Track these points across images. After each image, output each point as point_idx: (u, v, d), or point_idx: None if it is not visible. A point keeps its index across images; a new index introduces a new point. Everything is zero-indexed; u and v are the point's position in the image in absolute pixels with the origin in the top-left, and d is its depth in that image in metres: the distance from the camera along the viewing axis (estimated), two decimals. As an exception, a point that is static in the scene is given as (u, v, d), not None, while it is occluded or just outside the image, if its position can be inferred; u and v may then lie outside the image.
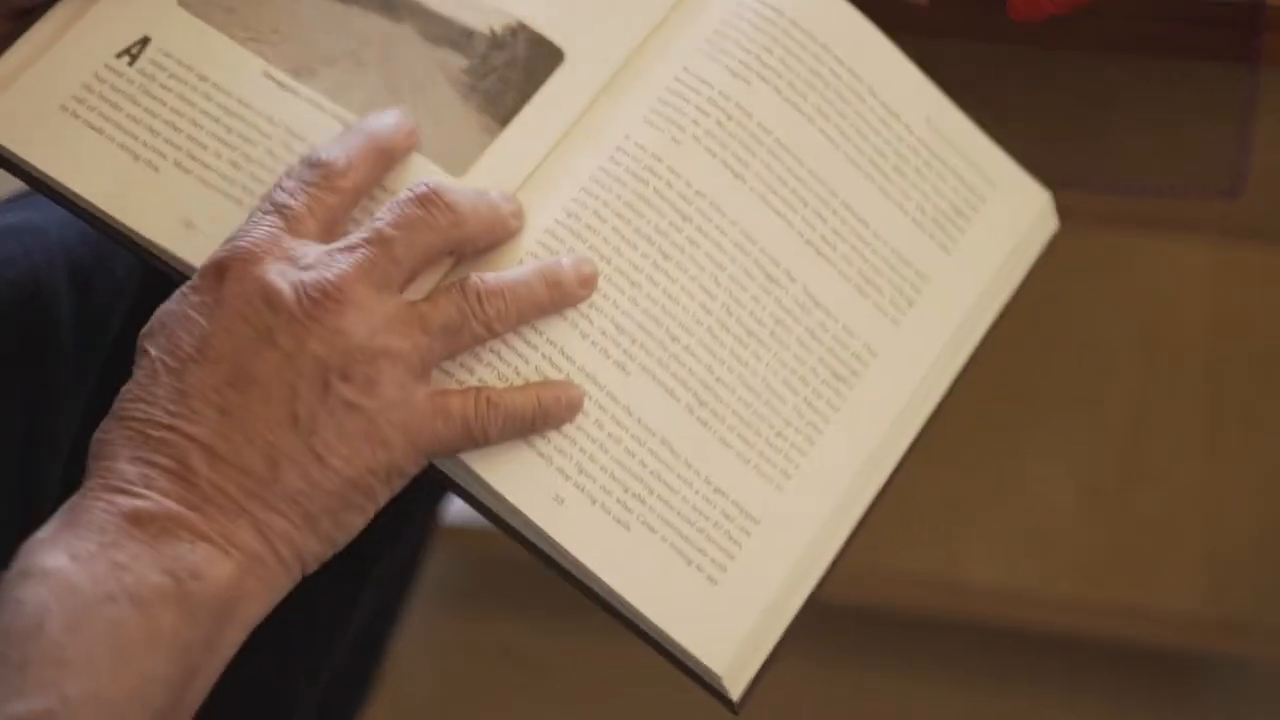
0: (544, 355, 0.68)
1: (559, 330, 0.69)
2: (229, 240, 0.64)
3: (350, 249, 0.64)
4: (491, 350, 0.68)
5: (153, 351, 0.62)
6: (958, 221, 0.78)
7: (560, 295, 0.68)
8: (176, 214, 0.68)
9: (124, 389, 0.62)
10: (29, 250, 0.79)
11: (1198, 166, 1.08)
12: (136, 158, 0.69)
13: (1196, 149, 1.07)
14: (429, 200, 0.65)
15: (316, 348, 0.62)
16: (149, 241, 0.68)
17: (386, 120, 0.68)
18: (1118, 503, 1.34)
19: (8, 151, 0.68)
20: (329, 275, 0.63)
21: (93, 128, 0.69)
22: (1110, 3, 0.99)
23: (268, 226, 0.64)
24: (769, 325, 0.72)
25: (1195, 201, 1.08)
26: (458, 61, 0.73)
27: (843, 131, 0.76)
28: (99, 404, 0.76)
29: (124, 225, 0.68)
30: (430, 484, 0.67)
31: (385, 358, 0.63)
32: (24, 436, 0.79)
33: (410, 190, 0.66)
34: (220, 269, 0.63)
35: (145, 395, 0.62)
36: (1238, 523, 1.34)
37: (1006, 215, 0.79)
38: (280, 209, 0.65)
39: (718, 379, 0.71)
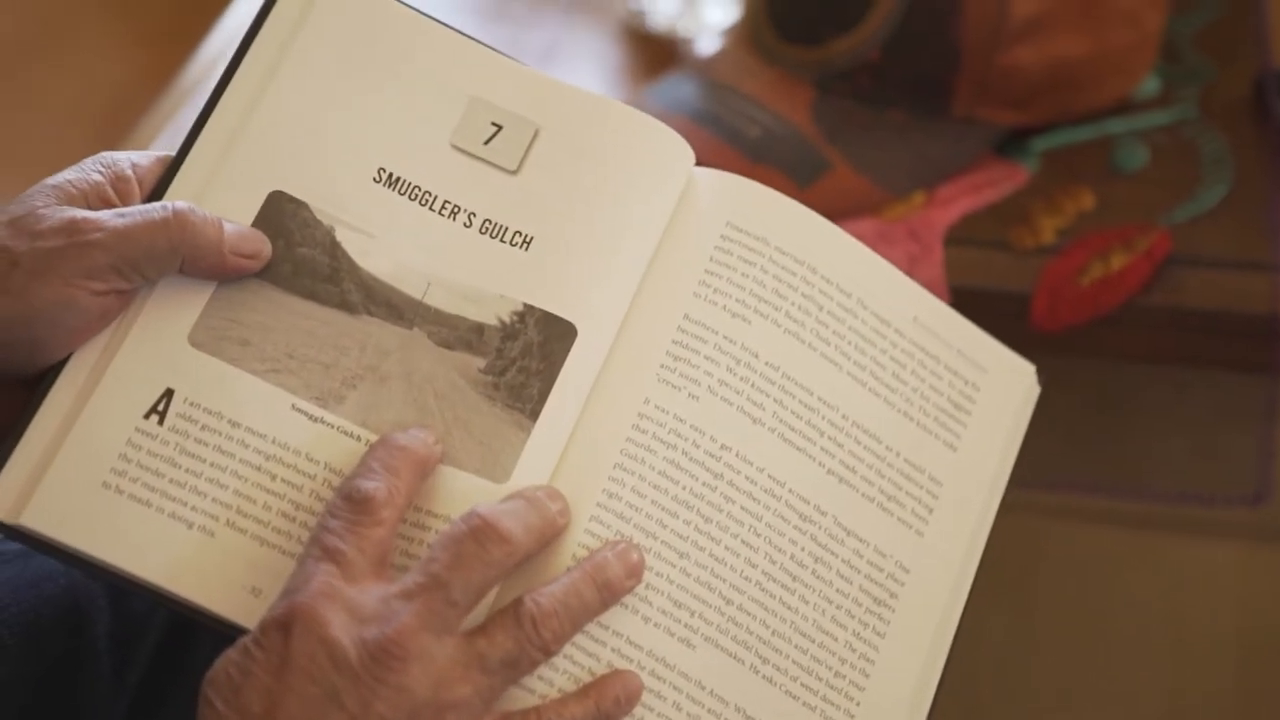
0: (613, 649, 0.69)
1: (623, 620, 0.69)
2: (287, 593, 0.64)
3: (408, 596, 0.64)
4: (564, 655, 0.68)
5: (220, 706, 0.63)
6: (959, 416, 0.78)
7: (611, 595, 0.68)
8: (241, 582, 0.67)
9: None
10: (69, 566, 0.80)
11: (1222, 473, 1.08)
12: (190, 525, 0.68)
13: (1220, 456, 1.08)
14: (482, 534, 0.66)
15: (382, 709, 0.63)
16: (219, 616, 0.67)
17: (414, 434, 0.69)
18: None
19: (58, 543, 0.67)
20: (389, 630, 0.63)
21: (140, 501, 0.68)
22: (1130, 313, 1.01)
23: (324, 576, 0.64)
24: (809, 565, 0.72)
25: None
26: (475, 362, 0.72)
27: (842, 351, 0.76)
28: (138, 717, 0.76)
29: (193, 603, 0.67)
30: None
31: (450, 711, 0.64)
32: None
33: (464, 523, 0.66)
34: (284, 627, 0.63)
35: None
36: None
37: (1000, 398, 0.79)
38: (331, 554, 0.65)
39: (773, 632, 0.71)
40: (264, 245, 0.71)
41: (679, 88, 1.08)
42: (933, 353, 0.78)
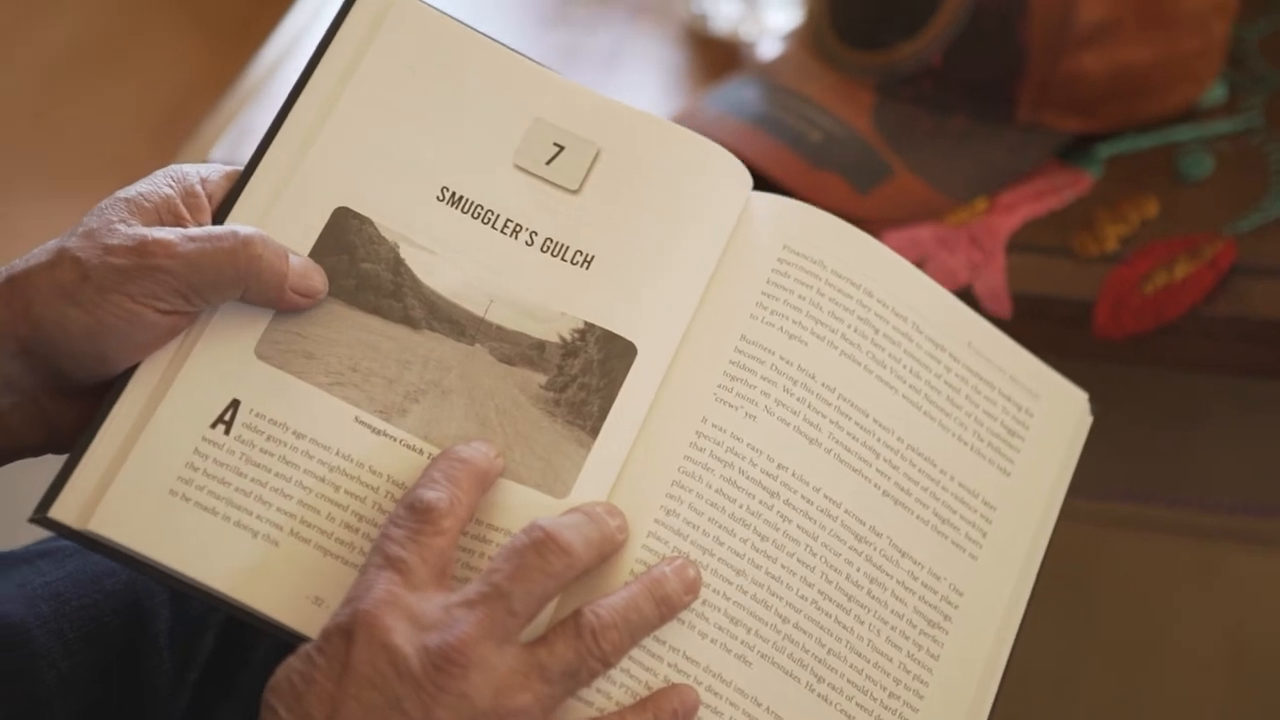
0: (669, 664, 0.69)
1: (680, 636, 0.70)
2: (349, 601, 0.65)
3: (469, 605, 0.65)
4: (621, 669, 0.69)
5: (282, 713, 0.63)
6: (1012, 442, 0.78)
7: (669, 609, 0.69)
8: (304, 591, 0.68)
9: None
10: (134, 571, 0.81)
11: (1283, 484, 1.07)
12: (255, 534, 0.68)
13: (1280, 467, 1.07)
14: (543, 546, 0.67)
15: (444, 715, 0.63)
16: (281, 624, 0.68)
17: (476, 447, 0.70)
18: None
19: (125, 549, 0.67)
20: (450, 638, 0.64)
21: (205, 509, 0.68)
22: (1193, 322, 1.00)
23: (385, 584, 0.65)
24: (865, 585, 0.73)
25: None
26: (536, 378, 0.73)
27: (898, 375, 0.76)
28: (196, 713, 0.77)
29: (256, 611, 0.68)
30: None
31: (512, 717, 0.64)
32: None
33: (525, 535, 0.67)
34: (346, 634, 0.64)
35: None
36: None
37: (1054, 425, 0.79)
38: (393, 562, 0.66)
39: (829, 651, 0.72)
40: (322, 285, 0.72)
41: (740, 91, 1.08)
42: (987, 378, 0.78)
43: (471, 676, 0.63)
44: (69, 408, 0.70)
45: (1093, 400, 0.81)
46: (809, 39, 1.08)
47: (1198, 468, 1.10)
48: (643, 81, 1.15)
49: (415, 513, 0.67)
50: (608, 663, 0.67)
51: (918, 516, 0.75)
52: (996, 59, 1.02)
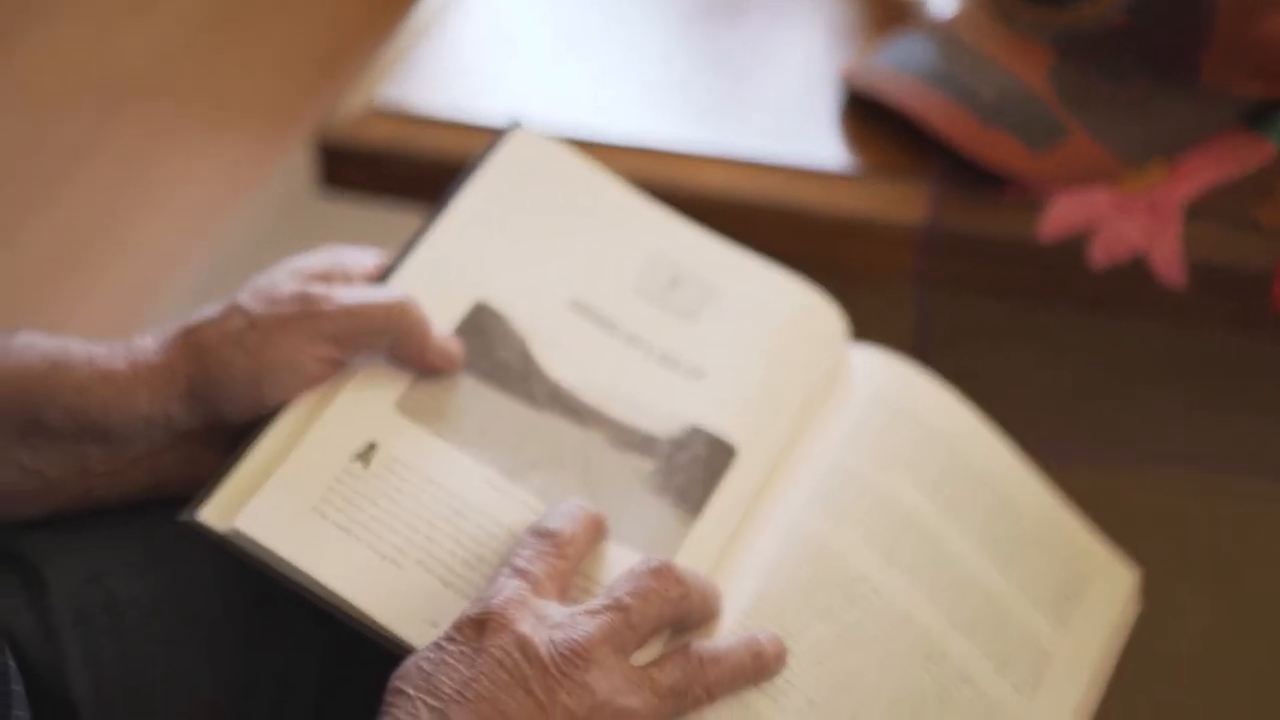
0: None
1: (765, 707, 0.74)
2: (481, 599, 0.71)
3: (593, 613, 0.71)
4: None
5: (411, 691, 0.68)
6: (1067, 604, 0.83)
7: (761, 666, 0.74)
8: (422, 614, 0.73)
9: None
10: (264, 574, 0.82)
11: None
12: (383, 556, 0.75)
13: None
14: (662, 573, 0.73)
15: (566, 700, 0.69)
16: (398, 637, 0.73)
17: (588, 503, 0.77)
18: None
19: (266, 547, 0.73)
20: (576, 635, 0.70)
21: (341, 527, 0.75)
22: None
23: (514, 588, 0.71)
24: (932, 703, 0.77)
25: None
26: (646, 464, 0.80)
27: (971, 520, 0.83)
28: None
29: (374, 620, 0.73)
30: None
31: (623, 715, 0.70)
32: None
33: (645, 564, 0.73)
34: (479, 624, 0.70)
35: None
36: None
37: (1106, 597, 0.85)
38: (522, 573, 0.72)
39: None
40: (458, 355, 0.81)
41: (912, 47, 1.06)
42: (1046, 543, 0.85)
43: (592, 670, 0.69)
44: (213, 456, 0.77)
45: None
46: (984, -5, 1.06)
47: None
48: (809, 36, 1.13)
49: (542, 537, 0.74)
50: (711, 694, 0.72)
51: (983, 651, 0.79)
52: (1183, 20, 0.99)
